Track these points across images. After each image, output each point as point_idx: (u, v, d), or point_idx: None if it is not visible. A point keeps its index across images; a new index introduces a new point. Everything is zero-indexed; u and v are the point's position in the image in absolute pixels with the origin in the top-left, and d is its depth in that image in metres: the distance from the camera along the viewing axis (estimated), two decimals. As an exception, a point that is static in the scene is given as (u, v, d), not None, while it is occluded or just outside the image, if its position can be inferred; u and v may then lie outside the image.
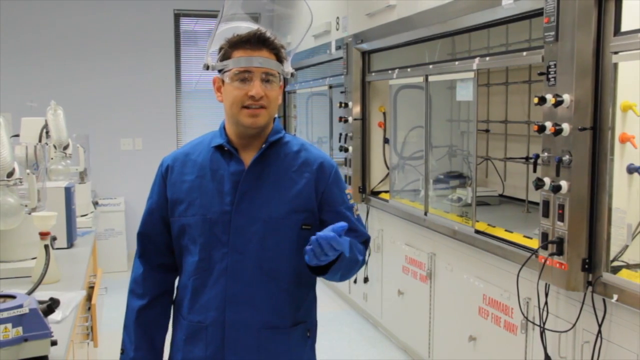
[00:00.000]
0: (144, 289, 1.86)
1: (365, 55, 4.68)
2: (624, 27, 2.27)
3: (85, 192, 4.07)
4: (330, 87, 5.45)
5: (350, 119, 4.73)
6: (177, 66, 7.02)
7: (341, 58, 4.90)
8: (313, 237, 1.56)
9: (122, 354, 1.87)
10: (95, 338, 2.66)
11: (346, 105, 4.77)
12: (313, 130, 6.24)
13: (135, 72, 6.77)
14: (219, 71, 1.77)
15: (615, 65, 2.29)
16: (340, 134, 4.90)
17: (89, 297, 2.76)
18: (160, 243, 1.86)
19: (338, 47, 5.03)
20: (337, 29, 5.10)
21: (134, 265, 1.92)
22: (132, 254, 6.99)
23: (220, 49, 1.77)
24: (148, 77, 6.83)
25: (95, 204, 4.40)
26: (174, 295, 1.91)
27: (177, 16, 6.97)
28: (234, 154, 1.79)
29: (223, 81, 1.76)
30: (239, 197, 1.75)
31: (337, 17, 5.10)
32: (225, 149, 1.79)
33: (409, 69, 3.95)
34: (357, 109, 4.72)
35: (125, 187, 6.73)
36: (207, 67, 1.81)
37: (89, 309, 2.68)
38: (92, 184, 4.53)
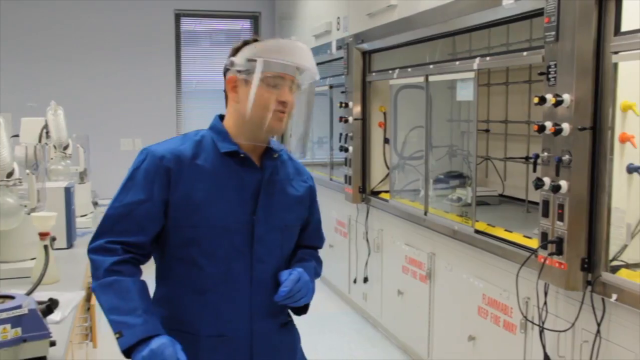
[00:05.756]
0: (114, 248, 1.64)
1: (366, 55, 4.68)
2: (624, 27, 2.27)
3: (85, 192, 4.07)
4: (331, 87, 5.44)
5: (350, 119, 4.73)
6: (177, 66, 7.03)
7: (342, 58, 4.90)
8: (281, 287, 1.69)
9: (119, 337, 1.56)
10: (95, 339, 2.66)
11: (346, 105, 4.77)
12: (313, 131, 6.24)
13: (135, 72, 6.77)
14: (238, 71, 1.68)
15: (616, 65, 2.29)
16: (341, 134, 4.90)
17: (88, 298, 2.76)
18: (133, 242, 1.66)
19: (339, 47, 5.03)
20: (338, 29, 5.10)
21: (93, 243, 1.68)
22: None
23: (253, 49, 1.68)
24: (148, 77, 6.84)
25: (95, 204, 4.40)
26: (160, 304, 1.73)
27: (178, 16, 6.98)
28: (250, 160, 1.73)
29: (247, 82, 1.67)
30: (260, 205, 1.72)
31: (338, 17, 5.10)
32: (241, 155, 1.72)
33: (409, 69, 3.94)
34: (357, 109, 4.72)
35: (125, 187, 6.74)
36: (231, 64, 1.69)
37: (89, 309, 2.68)
38: (92, 184, 4.52)
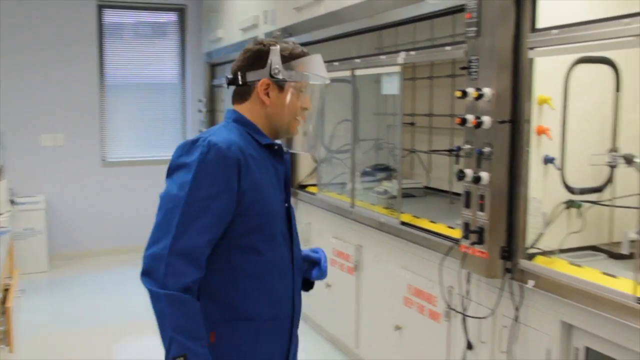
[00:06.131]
0: (199, 261, 1.64)
1: (293, 49, 4.66)
2: (540, 24, 2.36)
3: (1, 190, 3.90)
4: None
5: (278, 112, 4.70)
6: (100, 60, 6.80)
7: (269, 52, 4.86)
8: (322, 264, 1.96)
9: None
10: (10, 342, 2.56)
11: (274, 99, 4.74)
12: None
13: (55, 65, 6.51)
14: (272, 75, 1.76)
15: (532, 61, 2.37)
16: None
17: (3, 300, 2.64)
18: (213, 239, 1.68)
19: (266, 41, 4.99)
20: (265, 23, 5.07)
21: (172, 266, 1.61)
22: (55, 254, 6.69)
23: (287, 58, 1.79)
24: (69, 71, 6.59)
25: (13, 202, 4.22)
26: (219, 299, 1.74)
27: (100, 7, 6.76)
28: (281, 153, 1.85)
29: (280, 87, 1.79)
30: (289, 194, 1.87)
31: (265, 11, 5.06)
32: (276, 147, 1.83)
33: (336, 63, 3.96)
34: (285, 103, 4.69)
35: (46, 185, 6.49)
36: (277, 72, 1.77)
37: (4, 312, 2.57)
38: (10, 182, 4.34)
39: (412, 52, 3.16)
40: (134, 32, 7.08)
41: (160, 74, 7.24)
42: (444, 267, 2.76)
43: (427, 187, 4.31)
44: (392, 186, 3.76)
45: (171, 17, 7.17)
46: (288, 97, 1.79)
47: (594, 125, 2.53)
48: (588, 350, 2.23)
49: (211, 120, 6.85)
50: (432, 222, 3.15)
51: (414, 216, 3.29)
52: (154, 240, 1.63)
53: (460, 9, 2.73)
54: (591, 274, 2.22)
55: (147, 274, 1.61)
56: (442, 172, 4.17)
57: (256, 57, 1.79)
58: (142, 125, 7.15)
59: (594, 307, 2.10)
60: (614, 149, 2.50)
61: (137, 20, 7.07)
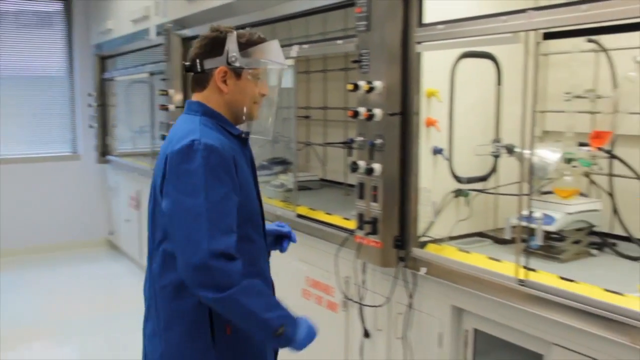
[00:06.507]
0: (231, 254, 1.66)
1: (187, 41, 4.57)
2: (427, 20, 2.43)
3: None
4: (152, 74, 5.26)
5: (171, 106, 4.60)
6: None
7: (162, 44, 4.75)
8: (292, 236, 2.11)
9: (282, 331, 1.71)
10: None
11: (167, 92, 4.63)
12: (133, 120, 6.00)
13: None
14: (229, 63, 1.78)
15: (419, 55, 2.44)
16: (162, 123, 4.75)
17: None
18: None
19: (158, 33, 4.86)
20: (157, 14, 4.93)
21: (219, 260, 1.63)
22: None
23: (244, 45, 1.80)
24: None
25: None
26: None
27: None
28: (247, 141, 1.89)
29: (237, 75, 1.80)
30: (255, 177, 1.92)
31: (157, 2, 4.93)
32: (243, 136, 1.86)
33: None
34: (178, 97, 4.60)
35: None
36: (234, 60, 1.79)
37: None
38: None
39: (305, 46, 3.17)
40: (15, 21, 6.68)
41: (46, 67, 6.88)
42: (340, 258, 2.80)
43: (323, 180, 4.36)
44: (288, 179, 3.77)
45: (56, 6, 6.83)
46: (246, 84, 1.82)
47: (479, 117, 2.65)
48: (476, 331, 2.34)
49: (102, 114, 6.60)
50: (328, 214, 3.19)
51: (310, 208, 3.32)
52: (190, 253, 1.63)
53: (351, 4, 2.77)
54: (478, 259, 2.32)
55: (202, 287, 1.62)
56: (337, 165, 4.23)
57: (213, 44, 1.81)
58: (28, 120, 6.77)
59: (481, 291, 2.20)
60: (497, 140, 2.63)
61: (18, 9, 6.68)
